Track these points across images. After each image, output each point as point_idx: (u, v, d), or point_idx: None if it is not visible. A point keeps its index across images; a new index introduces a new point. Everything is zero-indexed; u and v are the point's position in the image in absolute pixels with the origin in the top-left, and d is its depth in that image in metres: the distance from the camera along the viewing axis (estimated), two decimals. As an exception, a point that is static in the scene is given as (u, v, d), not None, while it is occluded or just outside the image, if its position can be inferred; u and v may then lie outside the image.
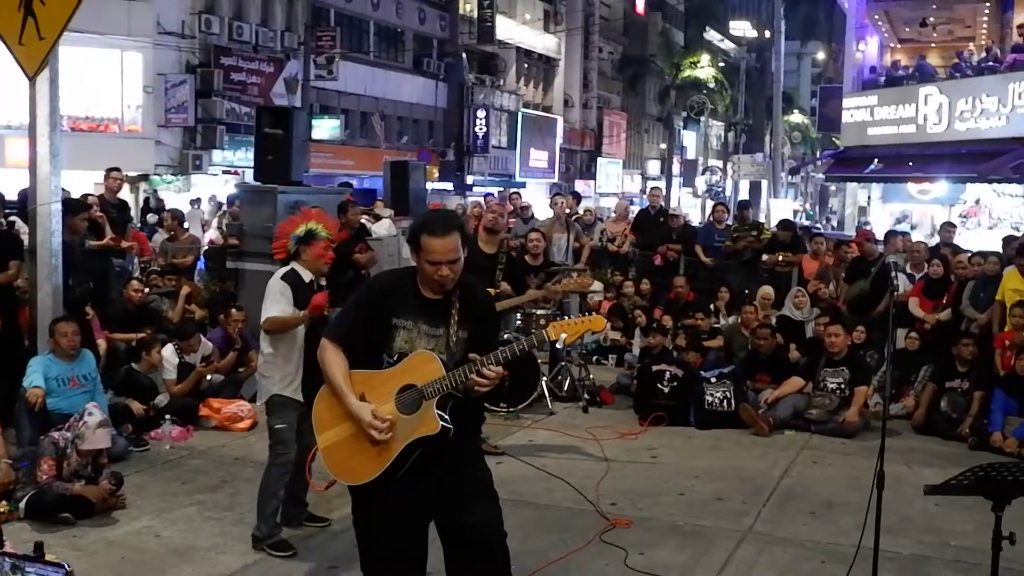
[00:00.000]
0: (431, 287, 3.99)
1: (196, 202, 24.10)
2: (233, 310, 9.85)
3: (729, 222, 14.27)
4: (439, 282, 3.94)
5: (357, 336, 4.05)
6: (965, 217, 26.17)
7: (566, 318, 4.17)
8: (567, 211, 13.22)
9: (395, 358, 3.98)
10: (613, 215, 16.32)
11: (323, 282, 6.15)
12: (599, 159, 52.87)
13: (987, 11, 26.00)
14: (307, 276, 5.97)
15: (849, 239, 15.37)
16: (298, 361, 5.87)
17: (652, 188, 17.80)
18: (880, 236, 14.30)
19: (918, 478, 7.30)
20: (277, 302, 5.87)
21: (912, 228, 27.76)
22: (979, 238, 20.14)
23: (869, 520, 5.05)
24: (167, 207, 18.08)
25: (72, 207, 9.06)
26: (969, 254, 11.00)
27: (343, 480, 4.10)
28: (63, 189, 8.42)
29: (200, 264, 13.01)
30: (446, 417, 3.91)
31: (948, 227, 14.14)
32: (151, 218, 18.08)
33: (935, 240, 14.26)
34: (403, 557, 4.01)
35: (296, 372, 5.87)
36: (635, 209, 17.84)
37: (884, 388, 6.40)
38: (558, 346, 4.02)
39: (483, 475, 4.16)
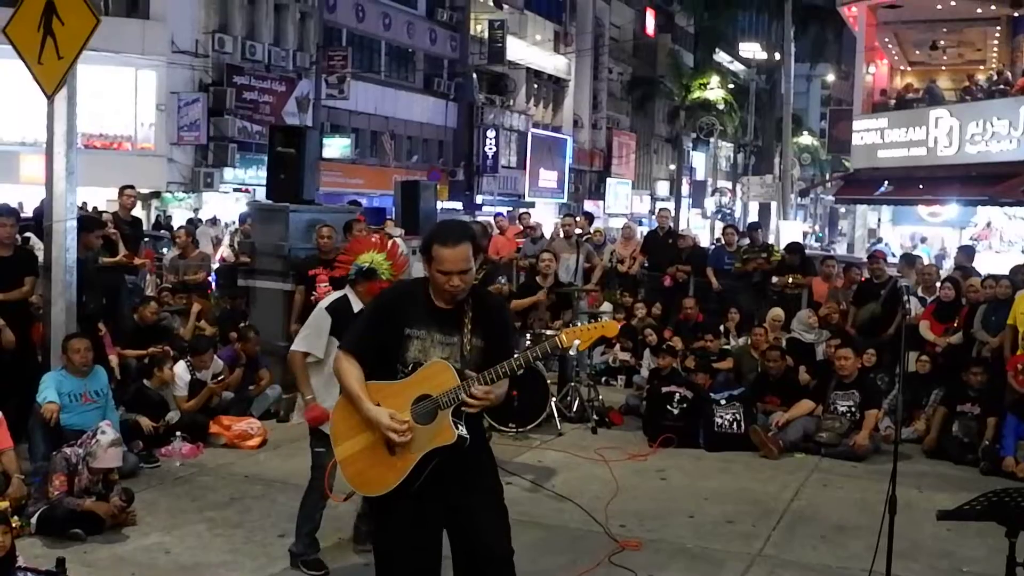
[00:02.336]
0: (442, 297, 4.00)
1: (212, 220, 24.21)
2: (251, 333, 9.91)
3: (745, 242, 14.25)
4: (450, 292, 3.95)
5: (370, 346, 4.08)
6: (976, 240, 26.14)
7: (579, 324, 4.13)
8: (578, 231, 13.22)
9: (409, 368, 3.99)
10: (619, 237, 16.31)
11: None
12: (608, 179, 52.98)
13: (997, 34, 25.98)
14: (357, 305, 5.87)
15: (858, 262, 15.36)
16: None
17: (660, 209, 17.85)
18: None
19: (929, 502, 7.28)
20: (306, 337, 5.88)
21: (923, 242, 27.76)
22: (990, 261, 20.07)
23: (880, 544, 5.04)
24: (176, 225, 18.22)
25: (87, 224, 9.12)
26: (981, 277, 10.98)
27: (361, 491, 4.12)
28: (80, 205, 8.46)
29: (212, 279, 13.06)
30: (463, 426, 3.92)
31: (965, 251, 14.05)
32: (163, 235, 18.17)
33: (948, 262, 14.21)
34: (417, 570, 4.03)
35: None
36: (643, 230, 17.85)
37: (896, 411, 6.38)
38: (571, 352, 4.00)
39: (495, 491, 4.16)
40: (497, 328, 4.13)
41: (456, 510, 4.02)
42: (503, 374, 3.91)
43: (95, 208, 12.08)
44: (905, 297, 6.76)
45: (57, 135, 7.85)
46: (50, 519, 6.22)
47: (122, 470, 7.00)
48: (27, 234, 9.28)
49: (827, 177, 52.62)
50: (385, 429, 3.90)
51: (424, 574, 4.06)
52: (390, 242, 6.23)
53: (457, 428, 3.90)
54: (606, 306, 13.49)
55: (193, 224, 21.96)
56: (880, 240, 29.76)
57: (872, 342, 10.85)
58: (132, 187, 11.78)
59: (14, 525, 5.87)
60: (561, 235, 13.89)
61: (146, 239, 15.57)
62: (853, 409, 9.34)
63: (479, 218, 24.26)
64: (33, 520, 6.24)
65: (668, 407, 9.55)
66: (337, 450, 4.10)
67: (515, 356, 3.96)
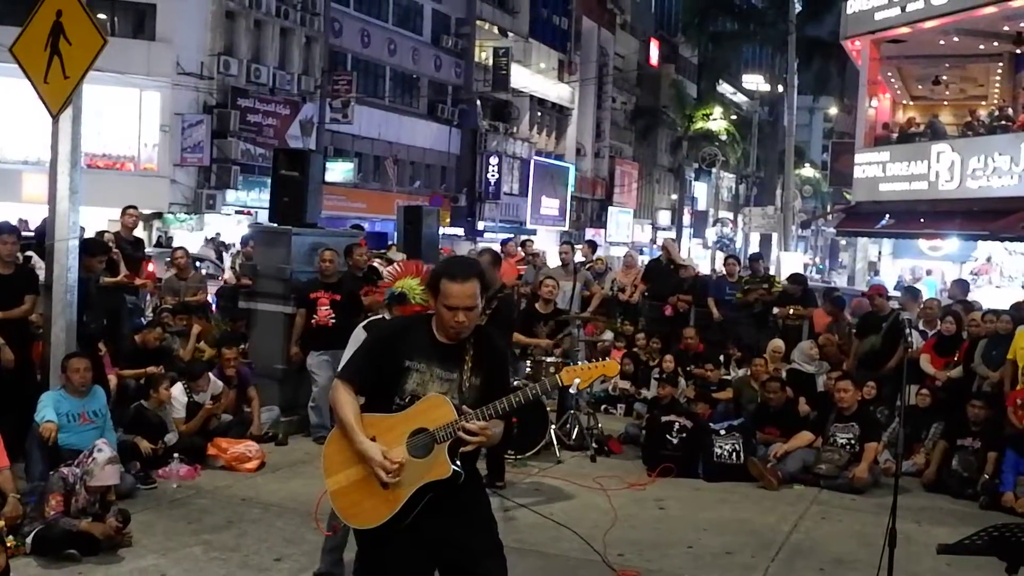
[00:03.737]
0: (446, 333, 3.98)
1: (211, 241, 24.29)
2: (224, 349, 9.85)
3: (747, 273, 14.24)
4: (455, 328, 3.93)
5: (369, 378, 4.06)
6: (976, 275, 26.17)
7: (580, 363, 4.15)
8: (582, 259, 13.22)
9: (406, 400, 3.96)
10: (621, 266, 16.31)
11: None
12: (610, 208, 53.14)
13: (1000, 71, 26.09)
14: None
15: (856, 295, 15.35)
16: None
17: (665, 239, 17.83)
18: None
19: (928, 536, 7.24)
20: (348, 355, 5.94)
21: (928, 274, 27.79)
22: (990, 295, 20.08)
23: (880, 578, 5.01)
24: (175, 244, 18.25)
25: (92, 249, 9.11)
26: (982, 312, 10.98)
27: (352, 524, 4.06)
28: (81, 228, 8.47)
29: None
30: (458, 462, 3.89)
31: (960, 284, 14.07)
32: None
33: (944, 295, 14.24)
34: None
35: None
36: (644, 259, 17.85)
37: (896, 445, 6.36)
38: (571, 391, 3.99)
39: (490, 526, 4.13)
40: (496, 368, 4.11)
41: (450, 545, 3.98)
42: (501, 411, 3.89)
43: (102, 232, 12.03)
44: (907, 330, 6.75)
45: (61, 154, 7.87)
46: (46, 539, 6.17)
47: (119, 491, 6.97)
48: (28, 253, 9.28)
49: (828, 209, 52.69)
50: (375, 466, 3.88)
51: None
52: (425, 268, 6.25)
53: (452, 463, 3.88)
54: (607, 334, 13.47)
55: (213, 243, 22.13)
56: (877, 273, 29.82)
57: (872, 375, 10.84)
58: (134, 207, 11.79)
59: (9, 545, 5.85)
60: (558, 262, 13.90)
61: (151, 255, 15.51)
62: (853, 442, 9.31)
63: (481, 244, 24.28)
64: (28, 540, 6.19)
65: (667, 436, 9.52)
66: (329, 481, 4.05)
67: (514, 393, 3.93)
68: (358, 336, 5.98)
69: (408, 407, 3.96)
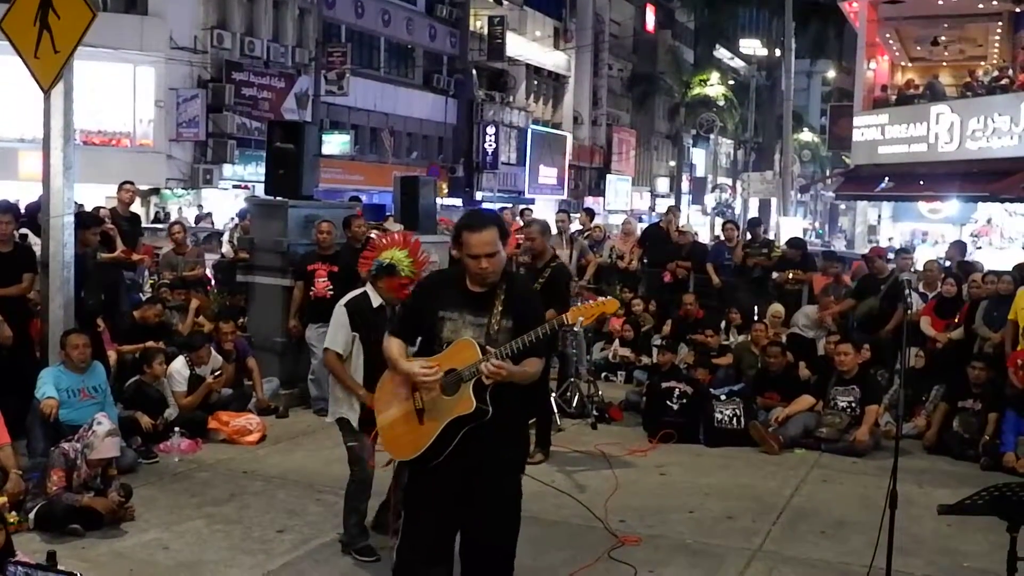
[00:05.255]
0: (475, 281, 4.38)
1: (206, 216, 24.22)
2: (221, 323, 9.85)
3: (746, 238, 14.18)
4: (480, 274, 4.34)
5: (410, 329, 4.59)
6: (977, 236, 26.15)
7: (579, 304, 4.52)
8: (580, 227, 13.16)
9: (443, 347, 4.40)
10: (619, 233, 16.25)
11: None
12: (608, 176, 52.95)
13: (999, 30, 25.92)
14: (376, 301, 6.01)
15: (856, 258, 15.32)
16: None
17: (669, 207, 17.79)
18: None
19: (929, 498, 7.26)
20: (334, 336, 6.00)
21: (924, 236, 27.79)
22: (991, 257, 20.06)
23: (881, 540, 5.02)
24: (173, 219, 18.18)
25: (85, 221, 9.08)
26: (984, 273, 10.95)
27: (394, 455, 4.70)
28: (76, 203, 8.43)
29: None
30: (484, 398, 4.26)
31: (957, 246, 14.06)
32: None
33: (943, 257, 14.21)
34: (438, 537, 4.42)
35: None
36: (642, 227, 17.81)
37: (897, 407, 6.36)
38: (575, 328, 4.54)
39: (513, 488, 4.54)
40: (527, 311, 4.46)
41: (471, 501, 4.40)
42: (517, 350, 4.25)
43: (98, 208, 11.98)
44: (906, 292, 6.73)
45: (54, 130, 7.82)
46: (48, 515, 6.20)
47: (120, 465, 6.98)
48: (24, 231, 9.25)
49: (827, 173, 52.57)
50: (418, 377, 4.32)
51: (443, 538, 4.43)
52: (413, 239, 6.22)
53: (477, 399, 4.24)
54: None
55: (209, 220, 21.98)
56: (889, 238, 29.73)
57: (870, 338, 10.83)
58: (131, 183, 11.74)
59: (12, 521, 5.87)
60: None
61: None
62: (853, 405, 9.32)
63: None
64: (31, 516, 6.23)
65: (668, 403, 9.53)
66: (379, 419, 4.64)
67: (527, 333, 4.26)
68: (338, 314, 5.96)
69: (443, 352, 4.40)
